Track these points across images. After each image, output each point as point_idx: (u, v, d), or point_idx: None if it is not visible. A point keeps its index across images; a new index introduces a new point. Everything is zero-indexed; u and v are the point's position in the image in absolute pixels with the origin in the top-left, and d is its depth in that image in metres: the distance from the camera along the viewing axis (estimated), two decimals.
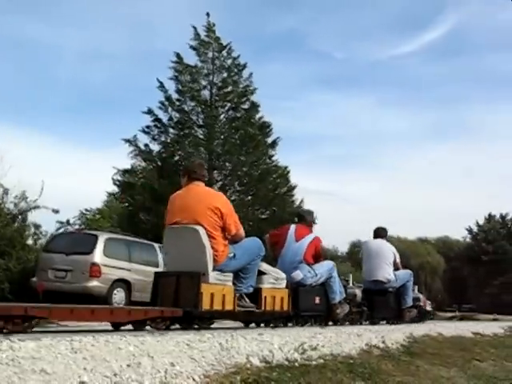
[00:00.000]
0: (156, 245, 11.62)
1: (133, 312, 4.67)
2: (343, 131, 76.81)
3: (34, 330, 3.80)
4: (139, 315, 4.56)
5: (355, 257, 38.94)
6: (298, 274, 6.17)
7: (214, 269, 4.81)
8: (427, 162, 75.24)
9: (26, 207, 13.91)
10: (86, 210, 23.27)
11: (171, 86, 19.68)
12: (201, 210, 4.83)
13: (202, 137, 19.58)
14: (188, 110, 19.77)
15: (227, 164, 19.66)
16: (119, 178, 19.60)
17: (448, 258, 50.73)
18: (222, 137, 19.70)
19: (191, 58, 19.91)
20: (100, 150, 58.64)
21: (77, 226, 19.13)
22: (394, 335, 5.14)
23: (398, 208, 67.56)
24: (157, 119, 19.59)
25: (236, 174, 19.87)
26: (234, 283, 4.99)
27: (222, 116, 20.12)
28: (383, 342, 4.52)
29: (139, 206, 18.82)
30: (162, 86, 19.61)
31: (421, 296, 10.25)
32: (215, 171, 19.46)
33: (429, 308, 20.42)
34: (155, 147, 19.66)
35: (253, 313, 5.30)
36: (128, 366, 2.41)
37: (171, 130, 19.78)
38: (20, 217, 13.96)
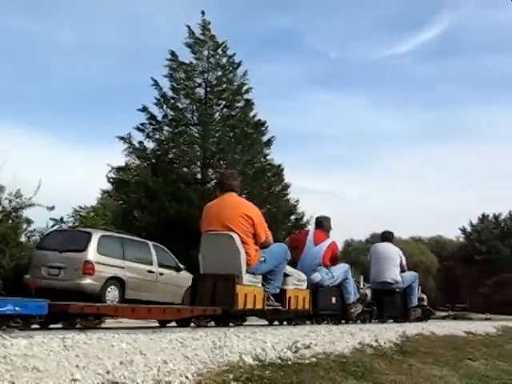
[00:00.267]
0: (150, 243, 11.56)
1: (182, 311, 5.43)
2: (339, 131, 76.86)
3: (102, 326, 4.50)
4: (186, 313, 5.33)
5: (349, 256, 39.08)
6: (316, 276, 6.68)
7: (247, 272, 5.36)
8: (421, 162, 75.47)
9: (21, 204, 13.84)
10: (80, 207, 23.16)
11: (166, 84, 19.64)
12: (234, 217, 5.37)
13: (196, 135, 19.50)
14: (182, 107, 19.67)
15: (222, 162, 19.60)
16: (113, 175, 19.52)
17: (441, 257, 50.80)
18: (217, 135, 19.61)
19: (186, 56, 19.86)
20: (94, 148, 58.41)
21: (70, 224, 19.09)
22: (386, 334, 5.16)
23: (391, 207, 67.72)
24: (151, 117, 19.49)
25: None
26: (262, 284, 5.55)
27: (216, 114, 20.04)
28: (376, 341, 4.53)
29: (133, 204, 18.75)
30: (156, 83, 19.55)
31: (424, 296, 10.89)
32: (210, 169, 19.43)
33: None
34: (150, 145, 19.59)
35: (279, 311, 5.87)
36: (121, 363, 2.41)
37: (166, 128, 19.70)
38: (14, 214, 13.89)
